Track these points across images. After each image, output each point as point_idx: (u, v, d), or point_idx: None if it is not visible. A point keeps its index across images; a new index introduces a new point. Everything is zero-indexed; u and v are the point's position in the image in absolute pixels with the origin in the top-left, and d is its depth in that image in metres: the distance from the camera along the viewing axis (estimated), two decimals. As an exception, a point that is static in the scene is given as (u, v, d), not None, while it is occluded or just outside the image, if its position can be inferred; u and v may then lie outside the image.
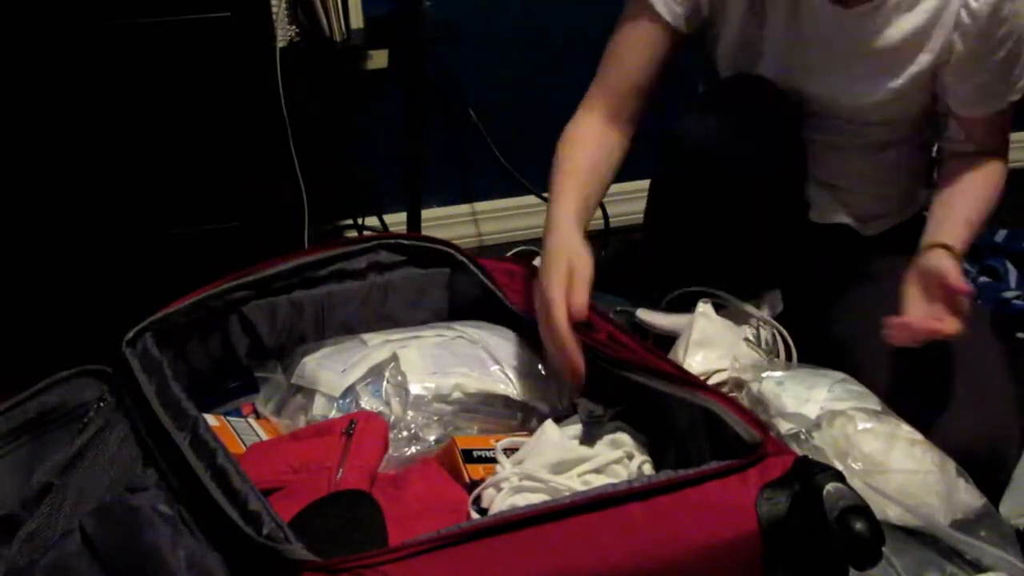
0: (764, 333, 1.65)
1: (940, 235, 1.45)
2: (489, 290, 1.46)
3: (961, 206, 1.53)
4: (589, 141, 1.55)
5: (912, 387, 1.45)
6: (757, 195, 1.59)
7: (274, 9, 1.74)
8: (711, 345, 1.54)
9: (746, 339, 1.60)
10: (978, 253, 2.21)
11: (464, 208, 2.31)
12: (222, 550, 0.99)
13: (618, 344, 1.29)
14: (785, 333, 1.64)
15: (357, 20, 1.88)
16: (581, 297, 1.31)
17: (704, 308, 1.59)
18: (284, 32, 1.78)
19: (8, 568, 1.07)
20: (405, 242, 1.48)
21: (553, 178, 1.50)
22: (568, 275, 1.31)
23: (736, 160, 1.55)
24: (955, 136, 1.60)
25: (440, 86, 2.16)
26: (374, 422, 1.26)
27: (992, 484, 1.41)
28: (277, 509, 0.99)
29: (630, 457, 1.24)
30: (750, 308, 1.66)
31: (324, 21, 1.79)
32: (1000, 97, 1.52)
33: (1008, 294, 2.10)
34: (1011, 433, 1.43)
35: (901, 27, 1.49)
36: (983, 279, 2.17)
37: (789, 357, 1.62)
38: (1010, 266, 2.18)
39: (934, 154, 1.72)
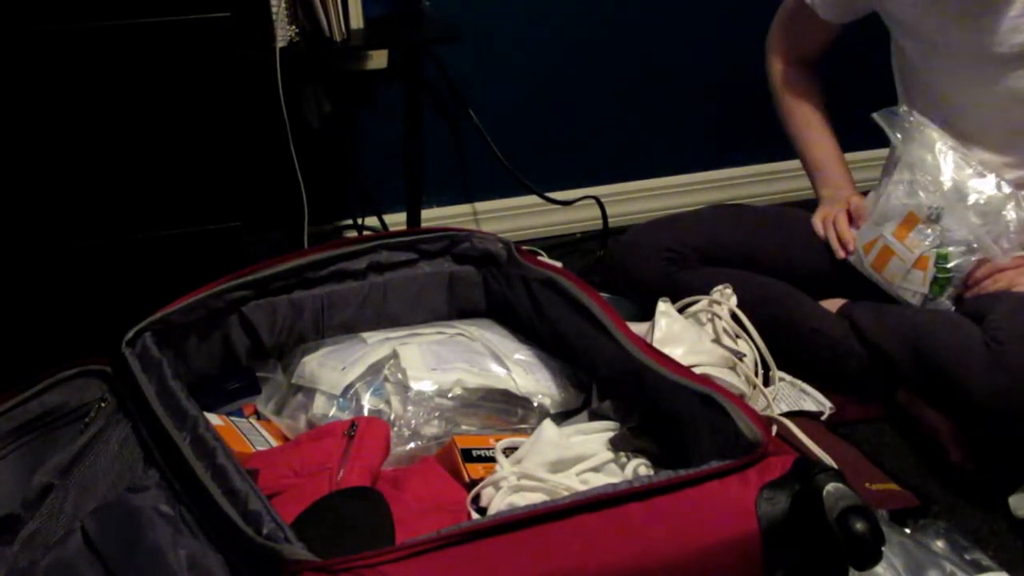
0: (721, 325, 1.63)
1: None
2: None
3: None
4: (802, 89, 1.91)
5: None
6: None
7: (274, 9, 1.74)
8: (676, 342, 1.54)
9: (714, 339, 1.59)
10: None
11: (464, 208, 2.31)
12: (223, 550, 0.99)
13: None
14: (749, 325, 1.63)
15: (357, 20, 1.87)
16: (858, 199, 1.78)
17: (664, 307, 1.58)
18: (284, 32, 1.77)
19: (9, 569, 1.07)
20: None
21: (796, 128, 1.92)
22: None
23: None
24: None
25: (440, 86, 2.16)
26: (376, 425, 1.26)
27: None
28: (279, 511, 0.99)
29: (628, 456, 1.24)
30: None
31: (324, 21, 1.79)
32: None
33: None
34: None
35: None
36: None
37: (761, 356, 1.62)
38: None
39: None
